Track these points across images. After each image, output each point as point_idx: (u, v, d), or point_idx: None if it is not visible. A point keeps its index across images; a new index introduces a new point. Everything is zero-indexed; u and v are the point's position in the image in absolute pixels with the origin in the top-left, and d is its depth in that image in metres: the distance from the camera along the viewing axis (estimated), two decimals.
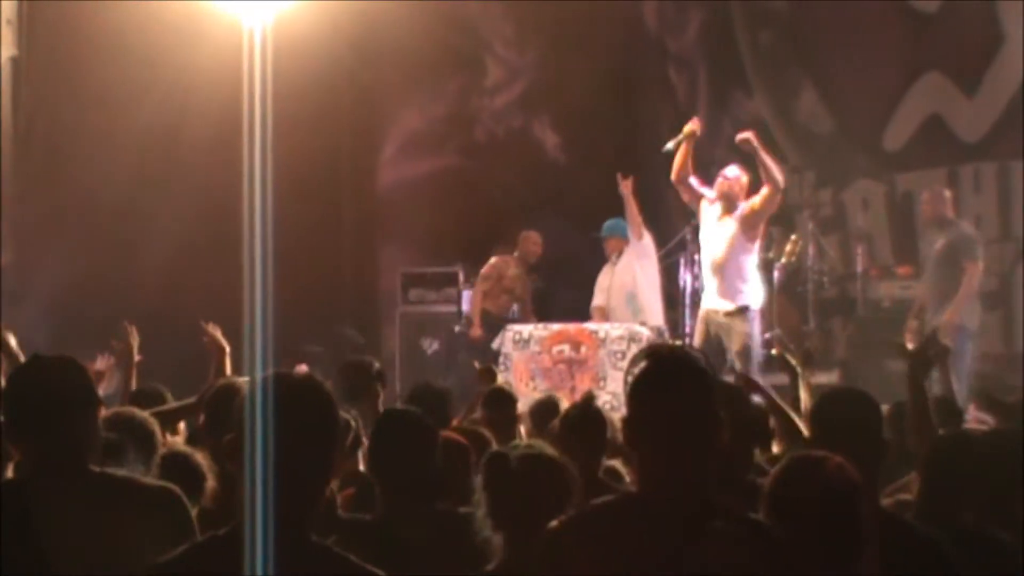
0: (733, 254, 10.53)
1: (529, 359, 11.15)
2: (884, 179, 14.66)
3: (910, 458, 5.06)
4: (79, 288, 12.48)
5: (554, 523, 3.29)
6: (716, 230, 10.61)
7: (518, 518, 3.88)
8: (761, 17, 15.42)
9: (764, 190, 10.45)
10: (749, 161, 10.58)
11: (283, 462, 2.88)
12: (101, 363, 7.62)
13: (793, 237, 13.12)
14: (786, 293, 12.93)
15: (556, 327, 11.36)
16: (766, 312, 11.53)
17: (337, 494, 4.94)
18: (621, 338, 10.95)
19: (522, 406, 7.29)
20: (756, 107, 15.01)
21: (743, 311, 10.51)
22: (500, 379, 8.65)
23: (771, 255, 12.69)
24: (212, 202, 12.07)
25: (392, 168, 16.13)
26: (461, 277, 14.11)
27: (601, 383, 10.73)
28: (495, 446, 5.38)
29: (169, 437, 5.70)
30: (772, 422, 6.04)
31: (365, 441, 5.85)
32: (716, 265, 10.61)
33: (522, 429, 6.91)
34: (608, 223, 12.06)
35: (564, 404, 6.72)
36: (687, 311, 12.22)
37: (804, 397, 6.32)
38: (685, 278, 12.43)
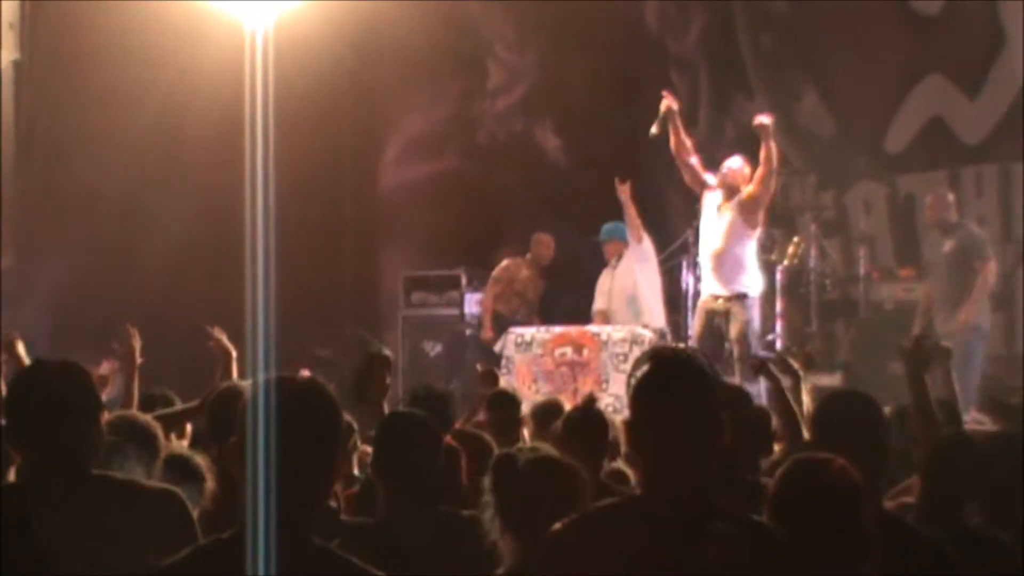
0: (732, 241, 10.56)
1: (531, 362, 11.15)
2: (886, 181, 14.65)
3: (912, 461, 5.06)
4: (81, 290, 12.49)
5: (556, 526, 3.30)
6: (716, 219, 10.65)
7: (528, 521, 3.87)
8: (762, 19, 15.42)
9: (758, 171, 10.47)
10: (752, 155, 10.59)
11: (285, 465, 2.88)
12: (105, 367, 7.62)
13: (795, 239, 13.12)
14: (788, 295, 12.92)
15: (558, 330, 11.37)
16: (765, 306, 11.54)
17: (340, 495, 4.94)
18: (623, 340, 10.96)
19: (524, 408, 7.28)
20: (757, 109, 14.88)
21: (742, 297, 10.54)
22: (502, 382, 8.64)
23: (773, 257, 12.68)
24: (213, 204, 12.07)
25: (393, 170, 16.13)
26: (463, 280, 14.10)
27: (603, 385, 10.73)
28: (495, 449, 5.39)
29: (175, 440, 5.70)
30: (775, 422, 6.04)
31: (360, 445, 5.85)
32: (715, 252, 10.64)
33: (525, 432, 6.90)
34: (607, 227, 12.07)
35: (567, 407, 6.72)
36: (689, 313, 12.21)
37: (806, 401, 6.33)
38: (687, 280, 12.43)
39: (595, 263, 12.37)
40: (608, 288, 12.05)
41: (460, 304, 14.02)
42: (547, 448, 4.27)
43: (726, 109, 14.99)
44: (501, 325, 12.33)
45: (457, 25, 15.56)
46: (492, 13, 15.84)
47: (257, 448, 2.88)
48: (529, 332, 11.42)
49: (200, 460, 4.60)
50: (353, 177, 16.05)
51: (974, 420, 7.46)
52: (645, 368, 3.21)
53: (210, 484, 4.47)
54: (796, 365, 6.76)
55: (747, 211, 10.55)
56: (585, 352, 11.05)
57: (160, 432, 4.74)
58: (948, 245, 11.48)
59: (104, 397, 4.27)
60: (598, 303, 12.09)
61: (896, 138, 14.53)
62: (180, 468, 4.50)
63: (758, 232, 10.81)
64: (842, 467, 3.36)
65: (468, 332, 13.51)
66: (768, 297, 12.01)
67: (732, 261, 10.58)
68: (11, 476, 4.10)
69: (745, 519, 3.24)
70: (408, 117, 16.06)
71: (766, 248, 12.25)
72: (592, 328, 11.41)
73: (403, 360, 13.92)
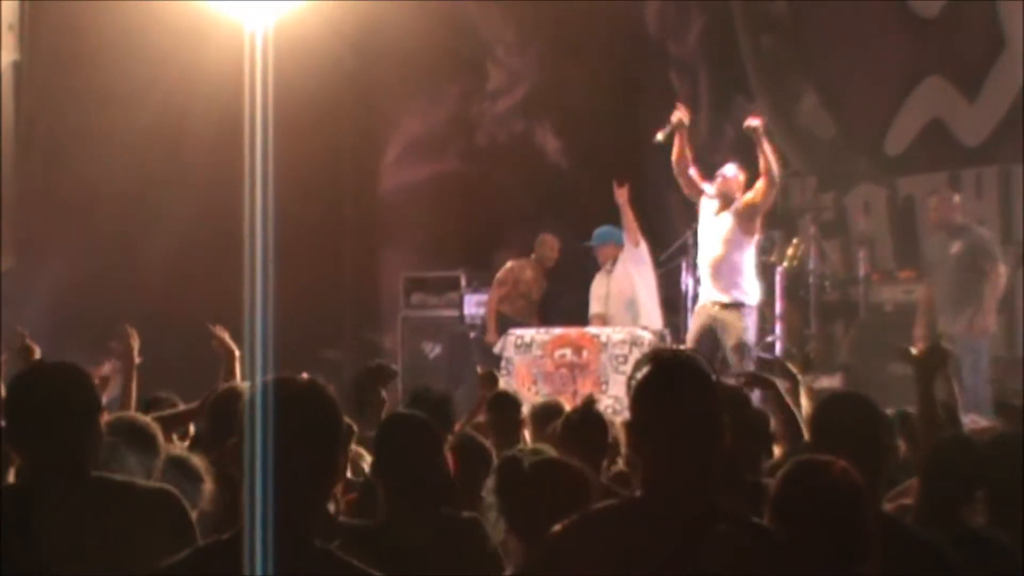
0: (730, 249, 10.57)
1: (531, 363, 11.15)
2: (886, 183, 14.65)
3: (911, 464, 5.06)
4: (81, 290, 12.49)
5: (557, 527, 3.29)
6: (714, 225, 10.67)
7: (536, 524, 3.87)
8: (762, 21, 15.42)
9: (759, 183, 10.49)
10: (748, 160, 10.60)
11: (285, 466, 2.87)
12: (107, 368, 7.60)
13: (795, 241, 13.11)
14: (788, 297, 12.92)
15: (558, 331, 11.36)
16: (764, 311, 11.53)
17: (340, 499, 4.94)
18: (623, 342, 10.95)
19: (524, 410, 7.27)
20: (757, 111, 14.98)
21: (739, 306, 10.54)
22: (502, 383, 8.64)
23: (773, 259, 12.68)
24: (213, 206, 12.07)
25: (394, 172, 16.13)
26: (463, 281, 14.09)
27: (603, 387, 10.73)
28: (491, 453, 5.39)
29: (176, 441, 5.70)
30: (773, 424, 6.04)
31: (354, 448, 5.84)
32: (713, 260, 10.65)
33: (525, 433, 6.90)
34: (600, 231, 12.06)
35: (567, 408, 6.72)
36: (688, 315, 12.21)
37: (805, 403, 6.32)
38: (687, 282, 12.42)
39: (595, 265, 12.36)
40: (604, 292, 12.03)
41: (460, 305, 14.00)
42: (549, 450, 4.27)
43: (726, 111, 14.98)
44: (507, 327, 12.26)
45: (457, 26, 15.56)
46: (492, 15, 15.84)
47: (256, 449, 2.88)
48: (529, 334, 11.41)
49: (199, 461, 4.59)
50: (353, 178, 16.05)
51: (971, 420, 7.46)
52: (646, 369, 3.21)
53: (209, 485, 4.47)
54: (794, 368, 6.76)
55: (744, 218, 10.55)
56: (585, 354, 11.05)
57: (160, 433, 4.74)
58: (955, 247, 11.46)
59: (106, 398, 4.27)
60: (595, 307, 12.07)
61: (896, 140, 14.53)
62: (179, 469, 4.50)
63: (756, 238, 10.81)
64: (844, 469, 3.36)
65: (472, 335, 13.47)
66: (768, 299, 12.01)
67: (730, 268, 10.58)
68: (11, 477, 4.10)
69: (746, 521, 3.24)
70: (408, 118, 16.06)
71: (765, 250, 12.25)
72: (592, 330, 11.40)
73: (403, 361, 13.91)
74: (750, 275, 10.70)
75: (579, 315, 12.11)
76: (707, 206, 10.74)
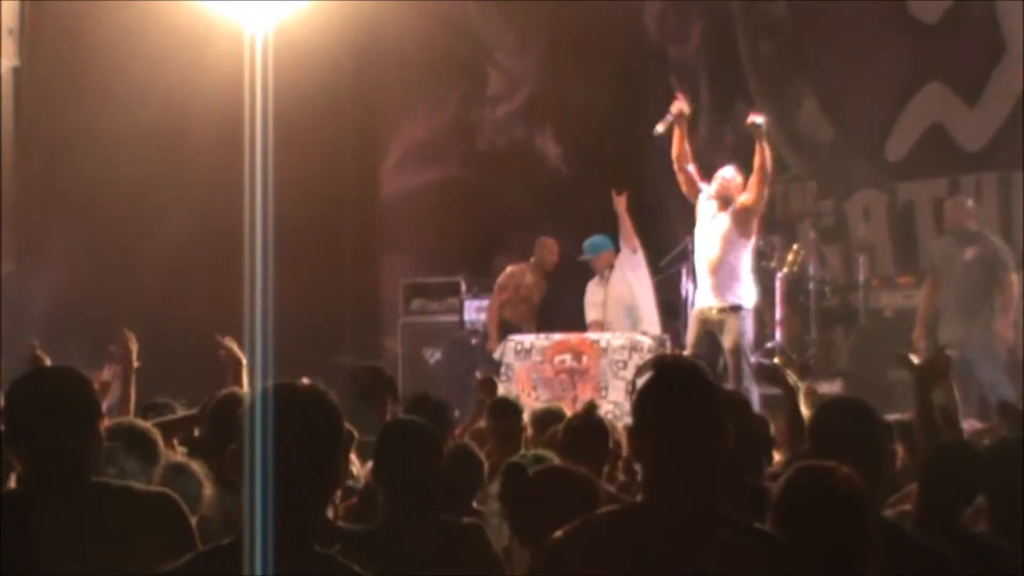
0: (727, 251, 10.57)
1: (531, 369, 11.14)
2: (886, 189, 14.65)
3: (910, 471, 5.06)
4: (81, 294, 12.48)
5: (558, 533, 3.29)
6: (710, 227, 10.66)
7: (540, 530, 3.86)
8: (762, 26, 15.42)
9: (751, 180, 10.47)
10: (746, 164, 10.59)
11: (286, 472, 2.87)
12: (107, 373, 7.58)
13: (795, 247, 13.11)
14: (788, 303, 12.92)
15: (557, 337, 11.35)
16: (761, 314, 11.53)
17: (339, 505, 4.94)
18: (623, 348, 10.95)
19: (524, 416, 7.27)
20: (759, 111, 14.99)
21: (736, 309, 10.54)
22: (502, 389, 8.64)
23: (773, 265, 12.69)
24: (213, 210, 12.07)
25: (394, 177, 16.13)
26: (463, 287, 14.07)
27: (603, 393, 10.72)
28: (482, 460, 5.38)
29: (176, 447, 5.69)
30: (772, 430, 6.04)
31: (353, 456, 5.84)
32: (710, 263, 10.65)
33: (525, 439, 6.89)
34: (592, 242, 12.05)
35: (568, 414, 6.71)
36: (688, 320, 12.21)
37: (803, 409, 6.32)
38: (687, 288, 12.42)
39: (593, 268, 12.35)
40: (601, 299, 12.02)
41: (460, 311, 13.99)
42: (551, 456, 4.27)
43: (726, 116, 14.99)
44: (509, 332, 12.21)
45: (457, 31, 15.57)
46: (492, 19, 15.85)
47: (256, 455, 2.88)
48: (528, 339, 11.40)
49: (198, 467, 4.59)
50: (354, 183, 16.05)
51: (968, 424, 7.47)
52: (649, 375, 3.21)
53: (209, 491, 4.47)
54: (792, 374, 6.75)
55: (741, 220, 10.55)
56: (584, 359, 11.04)
57: (159, 439, 4.74)
58: (969, 252, 11.47)
59: (106, 403, 4.27)
60: (592, 315, 12.05)
61: (896, 145, 14.53)
62: (179, 475, 4.50)
63: (752, 241, 10.81)
64: (847, 474, 3.36)
65: (474, 342, 13.43)
66: (767, 304, 12.00)
67: (727, 271, 10.58)
68: (12, 483, 4.10)
69: (748, 526, 3.23)
70: (408, 123, 16.07)
71: (765, 255, 12.24)
72: (591, 335, 11.40)
73: (403, 367, 13.91)
74: (747, 278, 10.70)
75: (580, 318, 12.11)
76: (704, 208, 10.74)
